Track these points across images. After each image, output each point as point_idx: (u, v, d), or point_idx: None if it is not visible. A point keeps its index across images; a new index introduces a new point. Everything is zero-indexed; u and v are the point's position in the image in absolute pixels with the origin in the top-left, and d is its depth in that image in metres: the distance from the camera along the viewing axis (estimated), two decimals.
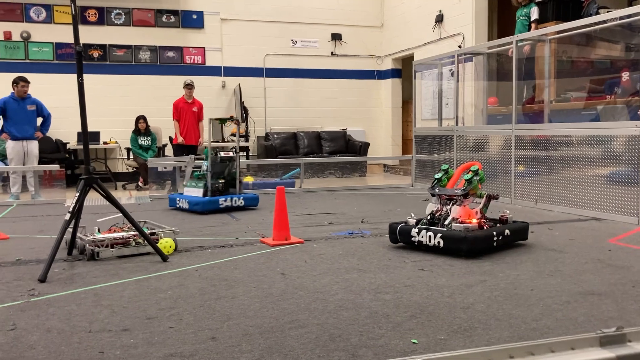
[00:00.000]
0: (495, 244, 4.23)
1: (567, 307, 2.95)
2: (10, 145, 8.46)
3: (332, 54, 13.11)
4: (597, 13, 8.97)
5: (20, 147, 8.48)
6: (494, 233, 4.24)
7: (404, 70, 13.11)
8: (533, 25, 8.36)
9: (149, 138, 10.53)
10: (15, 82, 8.42)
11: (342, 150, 12.50)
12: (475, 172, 4.46)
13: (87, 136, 4.22)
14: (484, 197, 4.52)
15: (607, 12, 7.47)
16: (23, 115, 8.47)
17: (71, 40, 11.77)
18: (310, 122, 12.91)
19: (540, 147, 6.92)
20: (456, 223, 4.28)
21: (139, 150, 10.40)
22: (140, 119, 10.42)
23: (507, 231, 4.36)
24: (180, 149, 9.91)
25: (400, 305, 3.01)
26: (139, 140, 10.47)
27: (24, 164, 8.50)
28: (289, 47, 12.78)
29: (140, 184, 10.08)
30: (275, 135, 12.32)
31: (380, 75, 13.45)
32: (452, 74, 9.42)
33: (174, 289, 3.39)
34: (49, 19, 11.23)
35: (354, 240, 4.87)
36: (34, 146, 8.66)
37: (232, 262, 4.12)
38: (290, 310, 2.95)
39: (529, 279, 3.52)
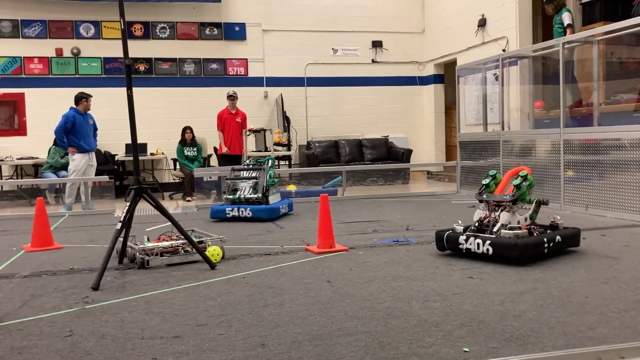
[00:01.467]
0: (546, 250, 4.13)
1: (625, 315, 2.85)
2: (78, 158, 8.72)
3: (373, 61, 13.09)
4: None
5: (87, 159, 8.80)
6: (545, 239, 4.14)
7: (446, 76, 12.98)
8: (568, 31, 8.13)
9: (195, 149, 10.63)
10: (85, 97, 8.78)
11: (384, 157, 12.43)
12: (524, 178, 4.37)
13: (136, 147, 4.32)
14: (534, 203, 4.42)
15: None
16: (88, 129, 8.88)
17: (118, 54, 12.06)
18: (352, 129, 12.91)
19: (590, 151, 6.73)
20: (505, 230, 4.19)
21: (184, 161, 10.52)
22: (187, 129, 10.56)
23: (558, 237, 4.25)
24: (225, 159, 10.05)
25: (450, 313, 2.96)
26: (185, 151, 10.56)
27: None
28: (329, 56, 12.83)
29: (187, 198, 10.05)
30: (316, 144, 12.36)
31: (422, 81, 13.36)
32: (496, 78, 9.28)
33: (223, 296, 3.43)
34: (97, 35, 11.59)
35: (399, 248, 4.82)
36: (95, 158, 9.06)
37: (278, 269, 4.14)
38: (338, 318, 2.94)
39: (582, 286, 3.42)
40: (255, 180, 7.19)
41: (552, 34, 8.46)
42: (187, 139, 10.52)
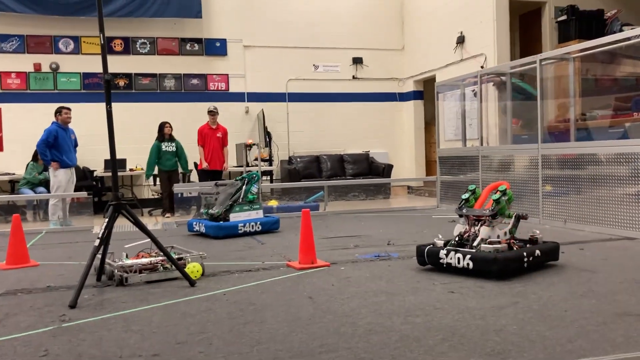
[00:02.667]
0: (525, 264, 4.16)
1: (604, 328, 2.88)
2: (61, 173, 8.50)
3: (354, 77, 13.19)
4: (621, 30, 8.92)
5: (70, 174, 8.62)
6: (525, 254, 4.17)
7: (425, 92, 13.12)
8: None
9: (174, 144, 9.96)
10: (59, 111, 8.59)
11: (365, 172, 12.48)
12: (504, 192, 4.41)
13: (115, 163, 4.28)
14: (513, 218, 4.46)
15: (631, 29, 7.41)
16: (70, 143, 8.67)
17: (98, 70, 12.01)
18: (333, 145, 12.95)
19: (568, 166, 6.83)
20: (485, 244, 4.22)
21: (157, 162, 9.83)
22: (167, 124, 9.94)
23: (537, 252, 4.28)
24: (206, 175, 10.01)
25: (431, 328, 2.96)
26: (163, 146, 9.86)
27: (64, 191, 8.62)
28: (311, 72, 12.90)
29: (167, 214, 9.71)
30: (298, 159, 12.36)
31: (402, 97, 13.47)
32: (474, 95, 9.40)
33: (203, 314, 3.39)
34: (77, 50, 11.52)
35: (381, 263, 4.82)
36: (74, 174, 8.91)
37: (259, 286, 4.11)
38: (320, 335, 2.92)
39: (562, 300, 3.45)
40: (231, 194, 7.17)
41: (531, 50, 8.69)
42: (167, 134, 9.90)
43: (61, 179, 8.52)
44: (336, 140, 13.01)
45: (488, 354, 2.55)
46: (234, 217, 6.95)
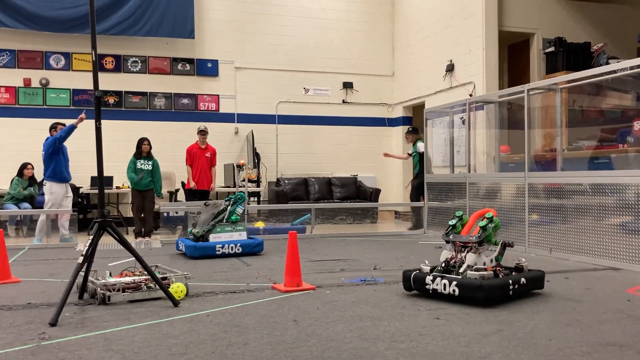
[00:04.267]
0: (511, 292, 4.16)
1: (588, 357, 2.87)
2: (57, 189, 8.36)
3: (344, 101, 13.27)
4: (607, 63, 9.09)
5: (65, 189, 8.51)
6: (510, 281, 4.18)
7: (414, 118, 13.21)
8: (425, 156, 10.05)
9: (150, 162, 9.36)
10: (54, 127, 8.60)
11: (353, 196, 12.50)
12: (490, 219, 4.42)
13: (102, 180, 4.25)
14: (499, 245, 4.47)
15: (617, 62, 7.55)
16: (67, 158, 8.64)
17: (88, 86, 12.01)
18: (321, 168, 12.97)
19: (554, 195, 6.89)
20: (471, 271, 4.22)
21: (132, 175, 9.23)
22: (145, 140, 9.40)
23: (523, 279, 4.29)
24: (193, 194, 9.95)
25: (416, 354, 2.94)
26: (138, 164, 9.28)
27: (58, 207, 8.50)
28: (301, 95, 12.98)
29: (146, 238, 9.02)
30: (286, 181, 12.36)
31: (391, 122, 13.57)
32: (463, 122, 9.49)
33: (185, 335, 3.35)
34: (67, 67, 11.51)
35: (367, 288, 4.80)
36: (70, 189, 8.82)
37: (243, 308, 4.07)
38: (304, 358, 2.89)
39: (546, 328, 3.45)
40: (214, 215, 7.16)
41: (519, 80, 8.86)
42: (144, 151, 9.35)
43: (56, 196, 8.36)
44: (324, 164, 13.04)
45: None
46: (215, 237, 6.91)
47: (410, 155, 10.82)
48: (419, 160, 10.30)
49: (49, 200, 8.46)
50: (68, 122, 10.69)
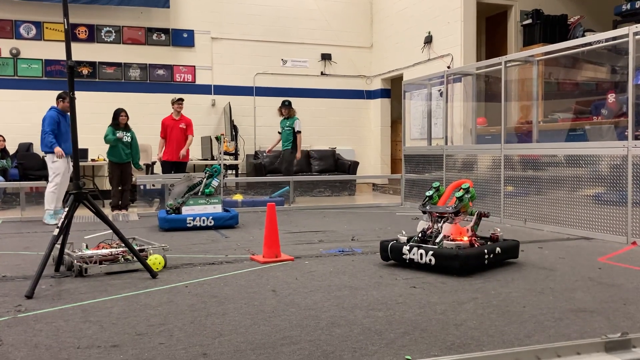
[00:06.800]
0: (486, 261, 4.24)
1: (560, 323, 2.95)
2: (60, 162, 7.80)
3: (322, 73, 13.19)
4: (583, 35, 9.15)
5: (67, 163, 7.89)
6: (486, 251, 4.25)
7: (393, 90, 13.21)
8: (298, 136, 10.12)
9: (129, 134, 9.01)
10: (62, 97, 7.91)
11: (331, 169, 12.52)
12: (467, 190, 4.47)
13: (77, 152, 4.18)
14: (475, 215, 4.53)
15: (593, 34, 7.61)
16: (68, 131, 7.93)
17: (61, 57, 11.70)
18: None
19: (529, 166, 6.98)
20: (447, 241, 4.28)
21: (113, 137, 8.79)
22: (122, 112, 8.98)
23: (498, 249, 4.37)
24: (169, 167, 9.81)
25: (393, 322, 2.99)
26: (118, 134, 8.87)
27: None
28: (279, 67, 12.85)
29: (123, 211, 8.86)
30: (264, 154, 12.30)
31: (370, 95, 13.54)
32: (441, 94, 9.51)
33: (164, 306, 3.35)
34: (39, 36, 11.21)
35: (345, 258, 4.85)
36: (70, 163, 8.39)
37: (222, 279, 4.08)
38: (282, 327, 2.92)
39: (520, 296, 3.52)
40: (189, 187, 7.14)
41: (497, 52, 8.84)
42: (122, 123, 8.94)
43: (59, 165, 7.83)
44: (303, 136, 12.96)
45: (448, 348, 2.59)
46: (187, 210, 6.89)
47: (279, 133, 10.48)
48: (294, 139, 10.15)
49: (54, 171, 7.86)
50: (42, 94, 10.49)
